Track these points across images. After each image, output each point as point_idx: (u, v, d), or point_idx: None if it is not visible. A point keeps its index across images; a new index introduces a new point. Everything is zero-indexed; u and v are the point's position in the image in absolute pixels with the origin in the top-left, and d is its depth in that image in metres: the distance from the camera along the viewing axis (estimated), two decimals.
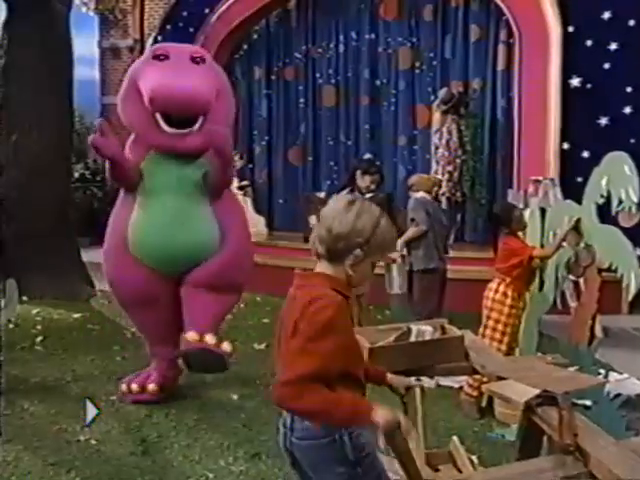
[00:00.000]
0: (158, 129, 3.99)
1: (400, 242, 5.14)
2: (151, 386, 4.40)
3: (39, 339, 5.92)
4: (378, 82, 8.80)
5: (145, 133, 4.10)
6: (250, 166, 9.74)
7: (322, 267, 1.94)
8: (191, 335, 3.98)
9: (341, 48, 8.96)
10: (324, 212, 1.95)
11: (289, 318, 1.93)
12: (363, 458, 1.94)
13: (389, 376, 2.26)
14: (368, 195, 5.29)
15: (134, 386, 4.42)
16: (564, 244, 4.03)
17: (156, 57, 4.06)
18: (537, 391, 2.29)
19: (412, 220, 5.06)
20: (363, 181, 5.40)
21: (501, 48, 8.10)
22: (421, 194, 5.25)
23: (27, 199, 7.55)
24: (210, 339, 3.99)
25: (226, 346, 4.06)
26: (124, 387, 4.45)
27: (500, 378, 2.55)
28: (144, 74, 4.06)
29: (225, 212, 4.28)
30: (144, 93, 3.98)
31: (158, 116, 3.98)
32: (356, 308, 4.97)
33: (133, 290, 4.24)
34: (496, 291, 4.19)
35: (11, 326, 5.93)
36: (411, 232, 5.09)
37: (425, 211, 5.09)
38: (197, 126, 4.02)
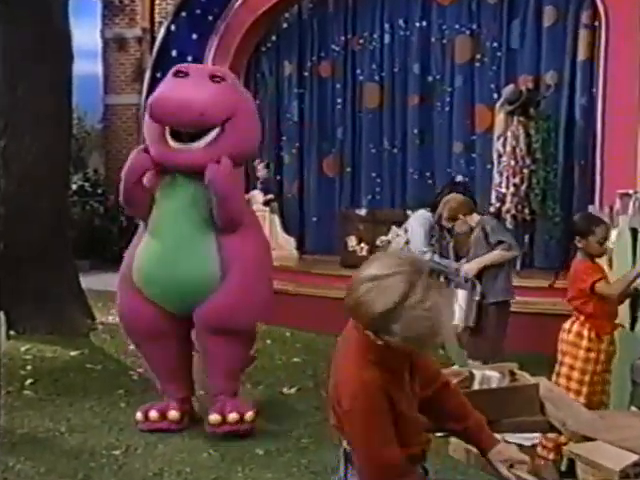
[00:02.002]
0: (166, 144, 4.50)
1: (474, 266, 5.12)
2: (172, 413, 4.78)
3: (28, 382, 5.92)
4: (430, 78, 8.75)
5: (153, 148, 4.55)
6: (278, 177, 9.77)
7: None
8: (214, 418, 4.63)
9: (386, 38, 8.94)
10: (371, 258, 1.93)
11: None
12: None
13: (495, 451, 2.13)
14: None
15: (153, 413, 4.78)
16: None
17: (176, 74, 4.57)
18: (635, 457, 2.21)
19: (500, 242, 5.03)
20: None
21: (582, 34, 7.93)
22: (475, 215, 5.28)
23: (17, 215, 7.63)
24: (233, 417, 4.61)
25: (249, 416, 4.68)
26: (140, 415, 4.82)
27: (586, 438, 2.47)
28: (157, 88, 4.58)
29: (234, 243, 4.61)
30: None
31: (167, 131, 4.46)
32: None
33: (139, 324, 4.76)
34: (569, 331, 4.04)
35: None
36: (499, 256, 5.06)
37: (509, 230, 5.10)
38: (202, 142, 4.46)
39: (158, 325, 4.70)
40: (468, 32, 8.54)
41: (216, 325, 4.58)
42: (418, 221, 5.60)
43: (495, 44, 8.42)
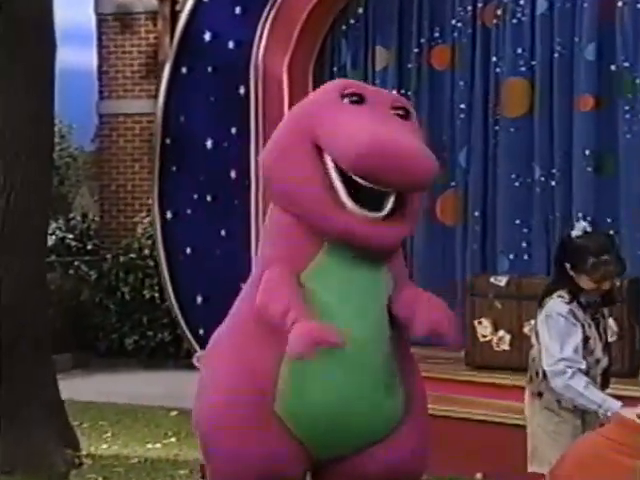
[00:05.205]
0: (337, 208, 4.67)
1: None
2: None
3: None
4: (613, 67, 8.49)
5: (322, 212, 4.70)
6: None
7: None
8: None
9: (541, 6, 8.72)
10: None
11: None
12: None
13: None
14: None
15: None
16: None
17: (350, 98, 4.85)
18: None
19: None
20: (580, 278, 5.22)
21: None
22: None
23: None
24: None
25: None
26: None
27: None
28: (331, 119, 4.75)
29: (407, 357, 5.00)
30: (336, 147, 4.64)
31: (340, 186, 4.64)
32: None
33: (263, 470, 4.80)
34: None
35: None
36: None
37: None
38: (386, 209, 4.67)
39: (287, 470, 4.81)
40: None
41: (403, 471, 4.91)
42: (545, 324, 5.33)
43: None
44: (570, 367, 5.01)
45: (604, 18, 8.48)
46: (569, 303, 5.14)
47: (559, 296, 5.19)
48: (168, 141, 9.20)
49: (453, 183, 9.25)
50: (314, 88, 9.39)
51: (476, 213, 9.15)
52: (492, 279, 8.34)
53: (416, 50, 9.38)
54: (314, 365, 4.65)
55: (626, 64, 8.41)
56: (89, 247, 14.18)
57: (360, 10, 9.49)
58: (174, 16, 11.77)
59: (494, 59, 9.01)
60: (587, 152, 8.53)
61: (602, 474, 4.32)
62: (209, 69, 9.13)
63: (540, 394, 5.24)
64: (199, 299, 8.89)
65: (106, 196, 14.66)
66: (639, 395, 5.66)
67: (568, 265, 5.22)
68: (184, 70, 9.26)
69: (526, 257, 8.87)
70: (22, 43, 7.86)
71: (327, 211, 4.67)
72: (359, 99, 4.84)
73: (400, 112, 4.88)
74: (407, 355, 5.09)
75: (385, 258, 4.88)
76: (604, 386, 5.26)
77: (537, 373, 5.24)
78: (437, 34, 9.27)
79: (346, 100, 4.82)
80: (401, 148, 4.54)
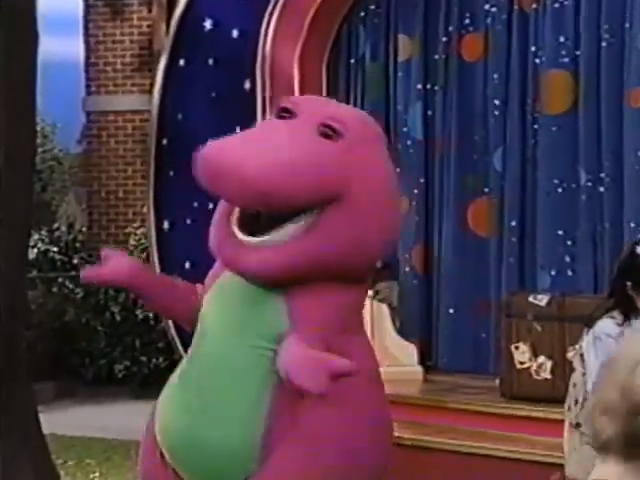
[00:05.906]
0: (227, 231, 4.87)
1: None
2: None
3: None
4: None
5: (216, 238, 4.92)
6: None
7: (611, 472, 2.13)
8: None
9: None
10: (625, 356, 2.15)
11: None
12: None
13: None
14: None
15: None
16: None
17: (279, 113, 5.01)
18: None
19: None
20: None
21: None
22: None
23: None
24: None
25: None
26: None
27: None
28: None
29: (300, 408, 4.69)
30: None
31: (234, 213, 4.79)
32: None
33: None
34: None
35: None
36: None
37: None
38: (279, 235, 4.70)
39: None
40: None
41: None
42: (592, 346, 5.29)
43: None
44: None
45: None
46: (621, 325, 5.14)
47: (610, 317, 5.19)
48: (164, 142, 9.22)
49: (486, 189, 9.25)
50: (328, 82, 9.50)
51: (513, 223, 9.14)
52: (531, 298, 8.31)
53: (444, 39, 9.40)
54: (174, 383, 5.05)
55: None
56: (75, 261, 14.13)
57: None
58: (171, 1, 11.84)
59: (533, 49, 9.01)
60: (639, 153, 8.50)
61: None
62: (210, 61, 9.14)
63: (578, 425, 5.23)
64: None
65: (95, 204, 14.71)
66: None
67: (629, 284, 5.20)
68: (182, 62, 9.27)
69: (570, 273, 8.86)
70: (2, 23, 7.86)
71: (221, 235, 4.89)
72: (289, 113, 4.93)
73: (328, 132, 4.86)
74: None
75: (281, 292, 4.84)
76: None
77: (576, 401, 5.24)
78: (468, 21, 9.28)
79: (274, 114, 5.09)
80: (218, 158, 4.67)
